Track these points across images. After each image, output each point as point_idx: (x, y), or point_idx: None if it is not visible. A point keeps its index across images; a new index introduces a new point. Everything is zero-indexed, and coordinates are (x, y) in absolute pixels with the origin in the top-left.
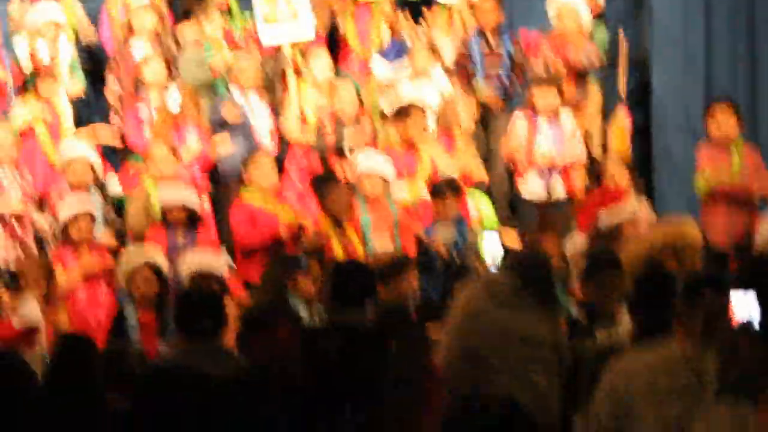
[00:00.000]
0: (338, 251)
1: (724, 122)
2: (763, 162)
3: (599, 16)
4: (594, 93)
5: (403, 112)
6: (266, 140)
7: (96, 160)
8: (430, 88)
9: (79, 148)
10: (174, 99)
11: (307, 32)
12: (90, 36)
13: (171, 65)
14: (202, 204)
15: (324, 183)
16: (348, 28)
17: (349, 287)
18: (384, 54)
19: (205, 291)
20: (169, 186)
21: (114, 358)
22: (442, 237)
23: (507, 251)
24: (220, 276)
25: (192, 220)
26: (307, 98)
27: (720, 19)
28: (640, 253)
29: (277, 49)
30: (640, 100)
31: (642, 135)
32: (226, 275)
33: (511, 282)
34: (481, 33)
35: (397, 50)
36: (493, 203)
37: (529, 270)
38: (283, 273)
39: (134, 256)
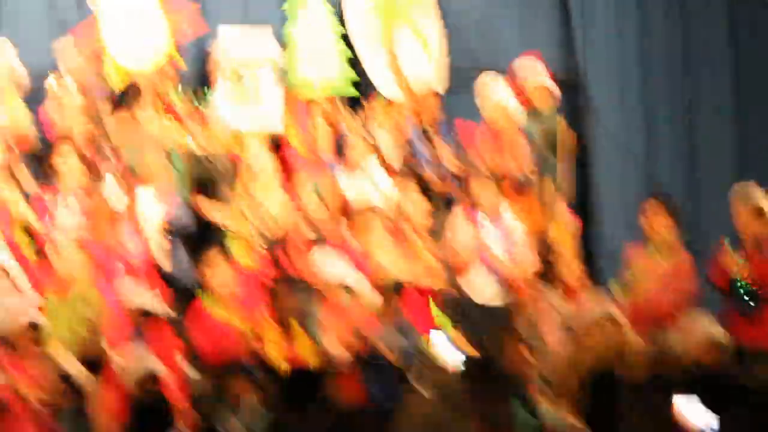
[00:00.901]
0: (285, 356)
1: (654, 221)
2: (696, 270)
3: (535, 110)
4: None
5: (350, 214)
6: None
7: None
8: (365, 181)
9: None
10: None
11: (276, 122)
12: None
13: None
14: (161, 305)
15: (282, 284)
16: (288, 128)
17: (296, 395)
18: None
19: (150, 394)
20: (130, 287)
21: None
22: (390, 341)
23: (463, 358)
24: (161, 376)
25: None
26: (266, 195)
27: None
28: (587, 356)
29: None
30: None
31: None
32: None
33: (466, 389)
34: (423, 130)
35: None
36: (444, 304)
37: (482, 377)
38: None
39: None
